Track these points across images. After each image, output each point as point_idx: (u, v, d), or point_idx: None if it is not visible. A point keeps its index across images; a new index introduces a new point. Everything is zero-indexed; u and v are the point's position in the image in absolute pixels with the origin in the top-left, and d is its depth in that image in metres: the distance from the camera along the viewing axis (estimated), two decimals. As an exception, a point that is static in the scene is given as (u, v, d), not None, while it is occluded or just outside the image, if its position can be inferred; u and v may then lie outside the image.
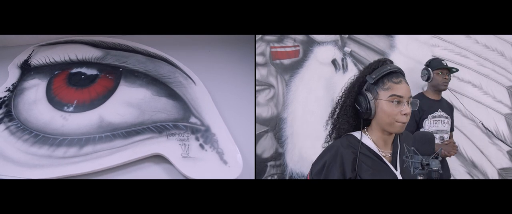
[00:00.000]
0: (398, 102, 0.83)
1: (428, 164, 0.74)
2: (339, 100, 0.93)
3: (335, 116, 0.93)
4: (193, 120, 1.45)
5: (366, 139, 0.88)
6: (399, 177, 0.84)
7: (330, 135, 0.96)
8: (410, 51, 1.74)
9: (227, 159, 1.34)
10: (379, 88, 0.85)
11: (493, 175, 1.71)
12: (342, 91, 0.93)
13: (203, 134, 1.40)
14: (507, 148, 1.72)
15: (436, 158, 0.74)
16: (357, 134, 0.89)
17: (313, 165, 0.91)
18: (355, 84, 0.90)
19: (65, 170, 1.23)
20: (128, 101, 1.48)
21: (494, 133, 1.69)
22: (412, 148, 0.77)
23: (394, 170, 0.85)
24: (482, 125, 1.65)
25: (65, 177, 1.22)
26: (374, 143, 0.87)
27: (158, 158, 1.34)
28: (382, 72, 0.85)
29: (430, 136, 0.78)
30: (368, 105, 0.85)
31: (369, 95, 0.86)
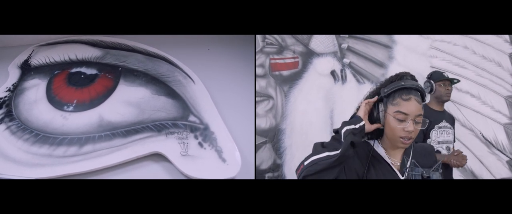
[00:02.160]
0: (402, 119, 0.83)
1: (429, 177, 0.73)
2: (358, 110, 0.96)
3: None
4: (192, 118, 1.44)
5: (378, 146, 0.90)
6: None
7: None
8: (408, 62, 1.73)
9: (226, 157, 1.33)
10: (389, 102, 0.87)
11: None
12: (360, 102, 0.96)
13: (202, 132, 1.39)
14: (507, 158, 1.70)
15: (437, 170, 0.73)
16: (370, 141, 0.92)
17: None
18: (372, 95, 0.92)
19: (65, 169, 1.23)
20: (127, 101, 1.47)
21: (494, 143, 1.67)
22: (413, 160, 0.76)
23: (401, 177, 0.85)
24: (482, 135, 1.63)
25: (66, 176, 1.22)
26: (385, 150, 0.90)
27: (158, 157, 1.33)
28: (394, 87, 0.86)
29: (430, 149, 0.78)
30: (377, 116, 0.88)
31: (380, 107, 0.88)
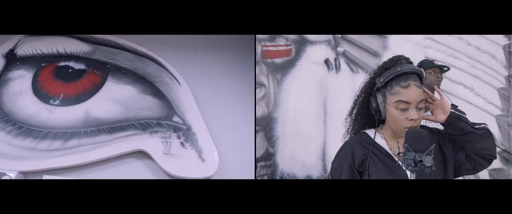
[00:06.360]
0: (404, 109, 0.73)
1: (421, 161, 0.67)
2: (356, 100, 0.85)
3: (353, 115, 0.85)
4: (176, 119, 1.41)
5: (379, 138, 0.79)
6: (409, 176, 0.74)
7: (348, 131, 0.87)
8: (403, 52, 1.46)
9: (205, 157, 1.33)
10: (388, 92, 0.76)
11: (484, 176, 1.58)
12: (359, 90, 0.84)
13: (185, 133, 1.37)
14: (498, 149, 1.57)
15: (429, 154, 0.68)
16: (370, 132, 0.81)
17: (332, 163, 0.84)
18: (368, 85, 0.81)
19: (49, 162, 1.15)
20: (114, 98, 1.40)
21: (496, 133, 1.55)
22: (405, 144, 0.70)
23: (404, 167, 0.76)
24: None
25: (49, 170, 1.14)
26: (386, 141, 0.79)
27: (141, 154, 1.30)
28: (391, 75, 0.76)
29: (423, 133, 0.71)
30: (377, 108, 0.77)
31: (379, 99, 0.77)
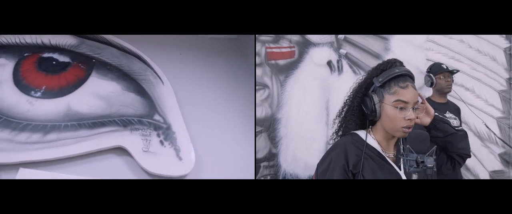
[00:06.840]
0: (402, 108, 0.75)
1: (423, 162, 0.69)
2: (347, 100, 0.86)
3: (342, 115, 0.86)
4: (157, 117, 1.44)
5: (370, 139, 0.80)
6: (403, 177, 0.76)
7: (336, 132, 0.88)
8: (405, 54, 1.59)
9: (182, 156, 1.37)
10: (385, 92, 0.77)
11: (485, 178, 1.62)
12: (350, 91, 0.85)
13: (164, 131, 1.41)
14: (499, 151, 1.61)
15: (431, 155, 0.69)
16: (361, 133, 0.82)
17: (319, 164, 0.83)
18: (363, 85, 0.82)
19: (26, 155, 1.14)
20: (97, 93, 1.40)
21: (497, 134, 1.58)
22: (407, 146, 0.72)
23: (398, 170, 0.77)
24: (485, 125, 1.50)
25: (26, 163, 1.13)
26: (378, 143, 0.80)
27: (120, 150, 1.31)
28: (389, 75, 0.77)
29: (425, 135, 0.73)
30: (373, 107, 0.78)
31: (375, 98, 0.78)
